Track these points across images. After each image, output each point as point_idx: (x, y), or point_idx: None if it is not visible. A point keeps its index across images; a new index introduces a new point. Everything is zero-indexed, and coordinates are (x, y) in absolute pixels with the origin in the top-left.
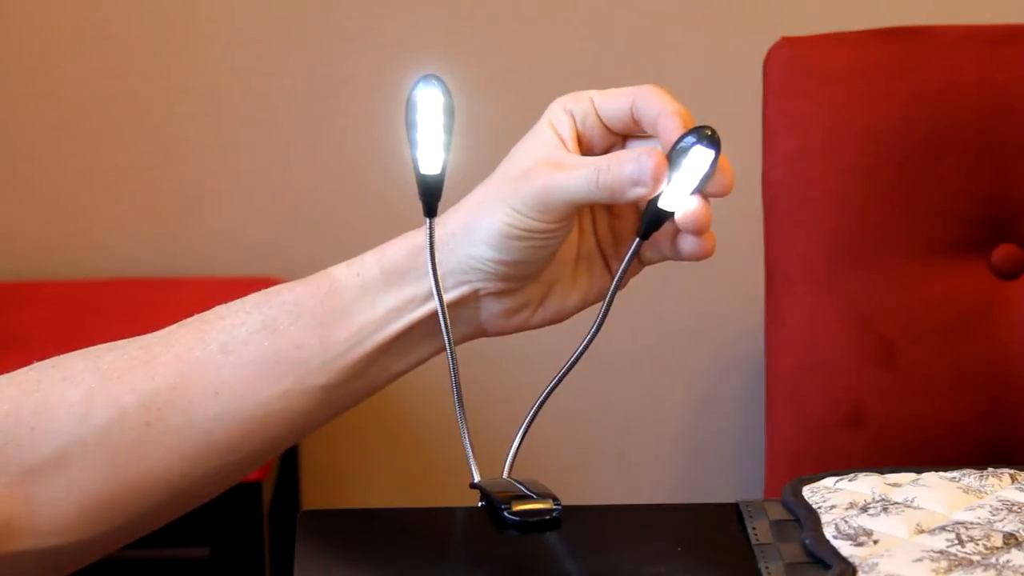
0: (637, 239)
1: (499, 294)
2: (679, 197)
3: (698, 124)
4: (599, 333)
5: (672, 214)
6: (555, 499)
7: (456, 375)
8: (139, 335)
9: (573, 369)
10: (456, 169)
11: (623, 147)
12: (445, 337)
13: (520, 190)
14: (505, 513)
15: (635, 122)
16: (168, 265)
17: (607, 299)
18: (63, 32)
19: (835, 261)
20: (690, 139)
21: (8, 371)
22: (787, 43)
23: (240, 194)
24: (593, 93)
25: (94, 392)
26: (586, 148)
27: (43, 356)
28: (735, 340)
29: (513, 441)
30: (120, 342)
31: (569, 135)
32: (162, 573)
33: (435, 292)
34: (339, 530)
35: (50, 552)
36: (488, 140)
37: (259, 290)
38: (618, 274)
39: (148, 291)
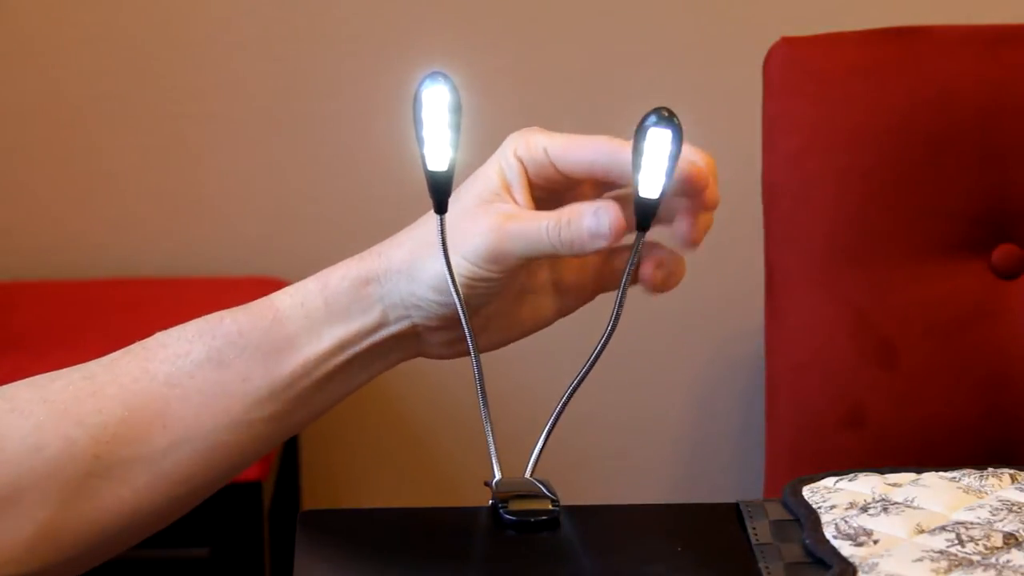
0: (638, 233)
1: (439, 328)
2: (654, 182)
3: (657, 107)
4: (603, 333)
5: (658, 201)
6: (554, 499)
7: (480, 377)
8: (92, 360)
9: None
10: (464, 167)
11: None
12: (469, 343)
13: (472, 239)
14: (502, 512)
15: (597, 174)
16: (168, 265)
17: (617, 302)
18: (63, 32)
19: (835, 261)
20: (646, 122)
21: (8, 371)
22: (787, 43)
23: (240, 194)
24: (545, 142)
25: (43, 424)
26: (543, 193)
27: (43, 356)
28: (735, 340)
29: (538, 440)
30: (63, 371)
31: (519, 184)
32: (162, 573)
33: (453, 292)
34: (339, 530)
35: None
36: (494, 137)
37: (257, 291)
38: (625, 275)
39: (148, 291)
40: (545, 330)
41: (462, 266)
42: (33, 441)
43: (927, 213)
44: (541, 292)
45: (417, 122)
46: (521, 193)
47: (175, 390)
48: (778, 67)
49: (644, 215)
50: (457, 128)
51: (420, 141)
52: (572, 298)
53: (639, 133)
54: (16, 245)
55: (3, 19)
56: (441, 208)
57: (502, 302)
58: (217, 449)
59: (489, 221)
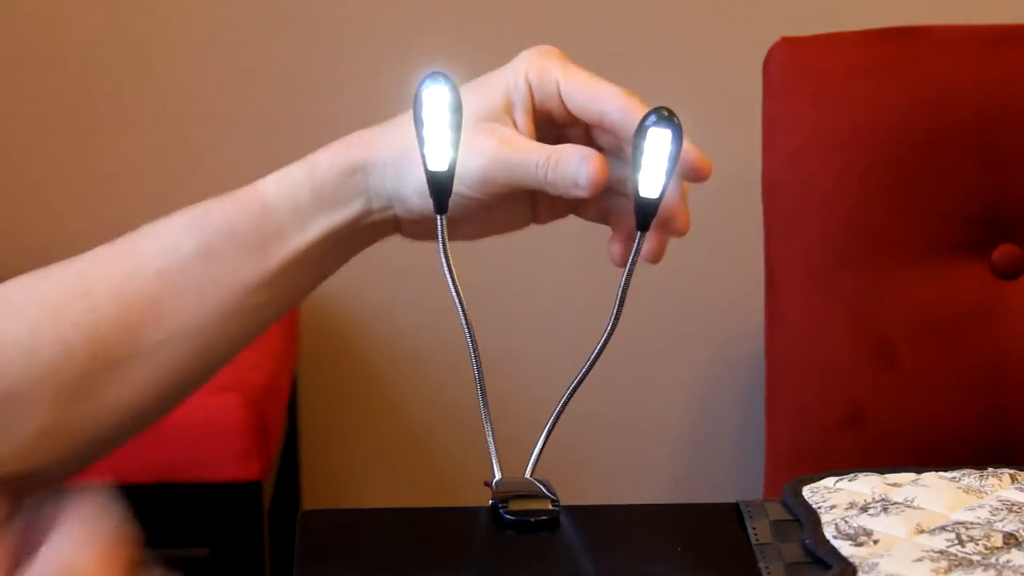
0: (639, 233)
1: (418, 221)
2: (654, 181)
3: (657, 106)
4: (603, 333)
5: (658, 200)
6: (554, 499)
7: (480, 377)
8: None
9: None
10: None
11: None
12: (469, 345)
13: (466, 160)
14: (502, 512)
15: (605, 127)
16: None
17: (617, 302)
18: (63, 32)
19: (835, 261)
20: (646, 121)
21: None
22: (787, 43)
23: None
24: (559, 76)
25: (38, 326)
26: (544, 120)
27: None
28: (735, 340)
29: (537, 440)
30: (52, 268)
31: (523, 107)
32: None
33: (454, 296)
34: (339, 530)
35: (8, 478)
36: None
37: None
38: (625, 274)
39: None
40: (545, 330)
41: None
42: (29, 344)
43: (927, 213)
44: (518, 202)
45: (417, 122)
46: (523, 116)
47: (166, 284)
48: (778, 67)
49: (644, 215)
50: (457, 128)
51: (420, 141)
52: (545, 213)
53: (639, 133)
54: (16, 245)
55: (3, 19)
56: (441, 208)
57: (483, 207)
58: (210, 340)
59: (485, 144)
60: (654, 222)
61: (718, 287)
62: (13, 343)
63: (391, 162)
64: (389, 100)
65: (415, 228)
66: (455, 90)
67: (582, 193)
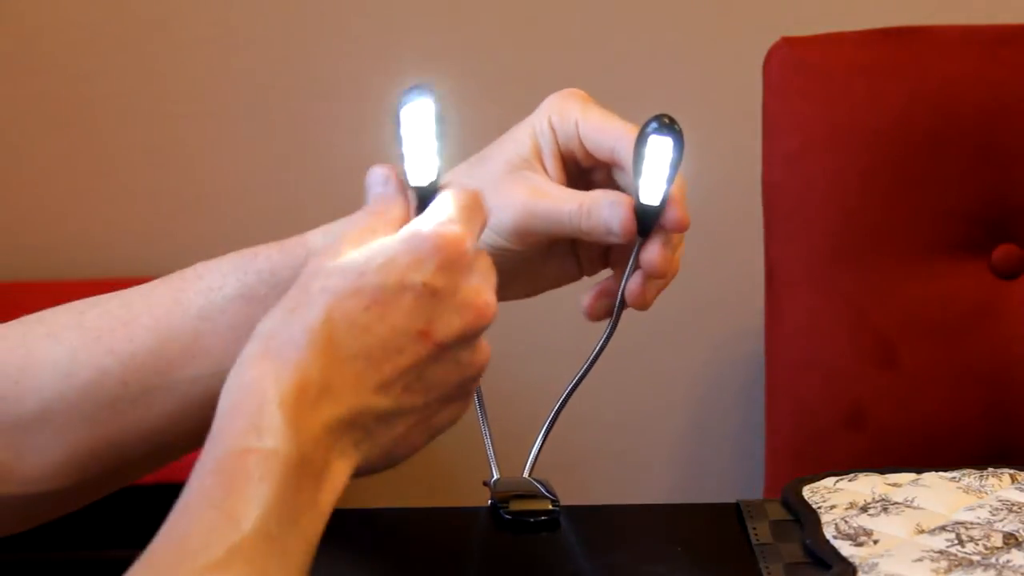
0: (638, 238)
1: None
2: (655, 188)
3: (658, 113)
4: (603, 333)
5: (659, 207)
6: (553, 499)
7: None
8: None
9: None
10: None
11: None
12: None
13: (500, 212)
14: (502, 511)
15: (615, 164)
16: (168, 265)
17: (617, 302)
18: (63, 32)
19: (835, 261)
20: (647, 128)
21: None
22: (787, 43)
23: (240, 194)
24: (578, 115)
25: (76, 351)
26: (572, 165)
27: None
28: (735, 340)
29: (535, 440)
30: (103, 297)
31: (550, 151)
32: None
33: None
34: (339, 530)
35: (34, 497)
36: (490, 143)
37: None
38: (624, 276)
39: None
40: (544, 329)
41: (489, 237)
42: (65, 367)
43: (927, 213)
44: (562, 253)
45: (399, 139)
46: (552, 161)
47: (207, 323)
48: (778, 67)
49: (645, 221)
50: (442, 138)
51: (401, 158)
52: (588, 265)
53: (640, 140)
54: (16, 245)
55: (3, 19)
56: None
57: (528, 261)
58: None
59: (517, 195)
60: (642, 271)
61: (718, 287)
62: (51, 364)
63: None
64: (391, 100)
65: None
66: (437, 100)
67: (616, 239)
